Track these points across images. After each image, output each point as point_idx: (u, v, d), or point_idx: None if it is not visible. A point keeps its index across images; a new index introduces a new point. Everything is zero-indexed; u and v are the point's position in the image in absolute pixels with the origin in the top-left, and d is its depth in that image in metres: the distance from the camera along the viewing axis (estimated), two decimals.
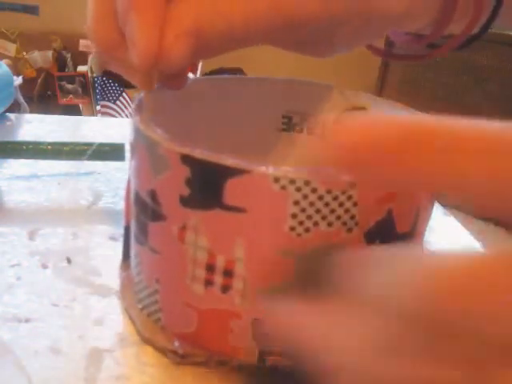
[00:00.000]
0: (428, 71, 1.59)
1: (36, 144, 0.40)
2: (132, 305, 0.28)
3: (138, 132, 0.24)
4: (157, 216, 0.24)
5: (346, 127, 0.14)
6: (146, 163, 0.23)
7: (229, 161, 0.20)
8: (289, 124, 0.32)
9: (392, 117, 0.14)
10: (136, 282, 0.27)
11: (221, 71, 1.83)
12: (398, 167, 0.14)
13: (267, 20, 0.24)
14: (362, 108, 0.31)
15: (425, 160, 0.13)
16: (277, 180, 0.20)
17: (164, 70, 0.24)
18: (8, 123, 0.51)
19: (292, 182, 0.20)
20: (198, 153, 0.21)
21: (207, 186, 0.21)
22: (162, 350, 0.26)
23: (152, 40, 0.23)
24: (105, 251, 0.33)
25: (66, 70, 1.91)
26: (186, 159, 0.21)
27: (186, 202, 0.22)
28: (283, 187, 0.20)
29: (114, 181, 0.41)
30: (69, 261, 0.32)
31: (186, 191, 0.22)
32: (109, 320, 0.27)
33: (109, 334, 0.26)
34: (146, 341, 0.26)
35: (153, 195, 0.23)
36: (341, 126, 0.14)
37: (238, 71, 1.87)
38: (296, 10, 0.24)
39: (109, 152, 0.41)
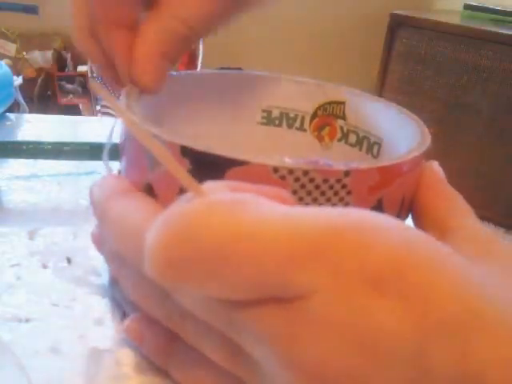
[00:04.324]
0: (428, 71, 1.59)
1: (36, 144, 0.40)
2: None
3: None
4: None
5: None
6: (140, 157, 0.23)
7: (229, 152, 0.21)
8: (268, 118, 0.33)
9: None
10: None
11: None
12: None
13: None
14: (341, 102, 0.31)
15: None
16: (276, 170, 0.20)
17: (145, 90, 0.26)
18: (8, 123, 0.51)
19: (291, 171, 0.20)
20: (199, 145, 0.21)
21: (208, 177, 0.21)
22: None
23: (125, 70, 0.26)
24: None
25: (66, 70, 1.91)
26: (186, 151, 0.21)
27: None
28: (282, 177, 0.21)
29: None
30: (69, 261, 0.32)
31: None
32: (109, 320, 0.27)
33: (109, 334, 0.26)
34: None
35: (149, 189, 0.23)
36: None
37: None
38: None
39: (108, 152, 0.40)
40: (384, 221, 0.16)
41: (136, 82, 0.26)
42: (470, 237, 0.21)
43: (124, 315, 0.27)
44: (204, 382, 0.21)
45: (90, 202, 0.24)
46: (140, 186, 0.23)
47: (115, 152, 0.27)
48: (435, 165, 0.25)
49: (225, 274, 0.15)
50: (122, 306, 0.28)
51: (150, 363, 0.25)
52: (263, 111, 0.33)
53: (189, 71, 0.31)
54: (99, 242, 0.26)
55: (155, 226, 0.16)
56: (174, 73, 0.30)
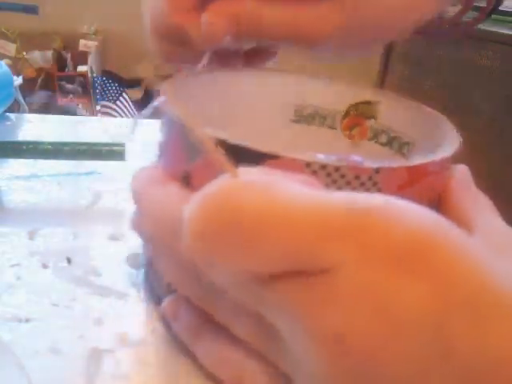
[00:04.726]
0: (428, 71, 1.59)
1: (36, 144, 0.40)
2: None
3: (170, 117, 0.24)
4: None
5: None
6: (178, 150, 0.24)
7: (263, 146, 0.21)
8: (300, 116, 0.33)
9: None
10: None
11: None
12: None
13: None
14: (373, 102, 0.32)
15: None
16: (308, 165, 0.21)
17: (208, 44, 0.28)
18: (8, 123, 0.51)
19: (323, 167, 0.21)
20: (233, 138, 0.21)
21: None
22: None
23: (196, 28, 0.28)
24: (105, 251, 0.33)
25: (66, 70, 1.91)
26: (221, 145, 0.21)
27: None
28: (314, 172, 0.21)
29: (114, 181, 0.41)
30: (69, 261, 0.32)
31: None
32: (109, 320, 0.27)
33: (109, 334, 0.26)
34: None
35: (186, 180, 0.24)
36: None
37: None
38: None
39: (109, 152, 0.41)
40: (409, 205, 0.17)
41: (205, 29, 0.27)
42: (495, 235, 0.21)
43: (158, 300, 0.27)
44: (228, 362, 0.22)
45: (131, 188, 0.25)
46: (177, 177, 0.24)
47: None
48: (464, 168, 0.25)
49: (258, 246, 0.16)
50: (156, 291, 0.28)
51: (150, 363, 0.25)
52: (296, 109, 0.33)
53: (223, 69, 0.31)
54: (138, 226, 0.27)
55: (193, 200, 0.17)
56: (206, 71, 0.30)
